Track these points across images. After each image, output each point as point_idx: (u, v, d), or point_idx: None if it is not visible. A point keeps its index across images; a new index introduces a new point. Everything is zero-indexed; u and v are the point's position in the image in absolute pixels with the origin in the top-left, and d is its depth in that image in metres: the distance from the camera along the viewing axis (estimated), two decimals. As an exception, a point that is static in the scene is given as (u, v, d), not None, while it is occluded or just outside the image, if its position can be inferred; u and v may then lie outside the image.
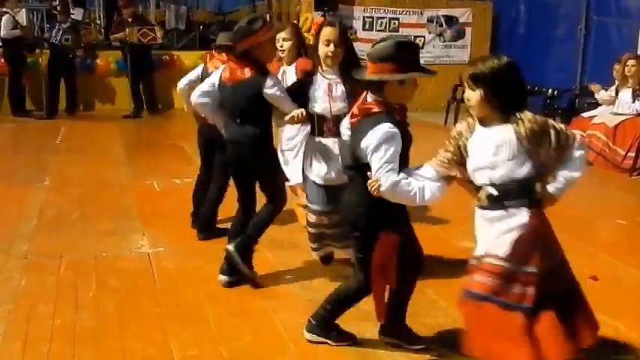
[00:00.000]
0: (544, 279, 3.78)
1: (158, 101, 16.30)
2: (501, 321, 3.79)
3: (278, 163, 5.96)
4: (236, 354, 4.63)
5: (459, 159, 4.00)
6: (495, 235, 3.87)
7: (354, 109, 4.32)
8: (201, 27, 19.50)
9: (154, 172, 10.00)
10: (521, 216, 3.81)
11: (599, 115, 11.46)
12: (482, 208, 3.94)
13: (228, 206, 6.78)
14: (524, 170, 3.80)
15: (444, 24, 17.40)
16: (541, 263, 3.78)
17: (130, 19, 15.67)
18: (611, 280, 6.12)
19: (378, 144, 4.03)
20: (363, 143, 4.10)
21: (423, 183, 4.02)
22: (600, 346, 4.73)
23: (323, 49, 5.32)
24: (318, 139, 5.50)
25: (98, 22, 18.97)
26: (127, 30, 15.45)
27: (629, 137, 10.74)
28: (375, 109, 4.16)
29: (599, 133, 11.03)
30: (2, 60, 15.38)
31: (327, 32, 5.32)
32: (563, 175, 3.86)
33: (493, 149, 3.82)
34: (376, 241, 4.23)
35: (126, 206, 8.24)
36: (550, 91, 13.58)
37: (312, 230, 5.70)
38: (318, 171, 5.52)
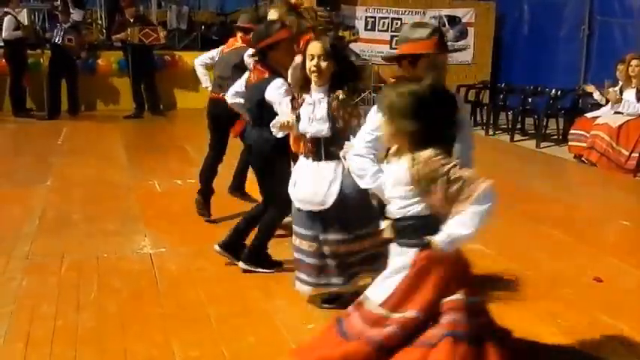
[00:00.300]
0: (421, 323, 3.52)
1: (160, 102, 16.27)
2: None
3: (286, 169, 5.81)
4: (238, 355, 4.59)
5: None
6: (386, 275, 3.69)
7: None
8: (202, 27, 19.44)
9: (156, 173, 9.95)
10: (408, 257, 3.57)
11: (602, 115, 11.41)
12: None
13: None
14: (417, 209, 3.56)
15: (446, 24, 17.36)
16: (423, 307, 3.51)
17: (132, 19, 15.64)
18: (615, 281, 6.07)
19: (371, 115, 4.02)
20: None
21: (381, 173, 3.88)
22: (604, 348, 4.75)
23: (307, 64, 4.98)
24: (300, 159, 5.24)
25: (99, 22, 18.91)
26: (129, 30, 15.42)
27: (632, 137, 10.70)
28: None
29: (603, 133, 10.98)
30: (3, 60, 15.32)
31: (311, 47, 5.02)
32: (448, 228, 3.45)
33: (391, 183, 3.67)
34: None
35: (128, 207, 8.20)
36: (553, 91, 13.55)
37: (294, 254, 5.35)
38: (295, 193, 5.17)
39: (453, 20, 17.43)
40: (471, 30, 17.60)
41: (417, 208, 3.55)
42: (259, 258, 5.96)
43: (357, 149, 4.02)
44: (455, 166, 3.42)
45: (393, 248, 3.69)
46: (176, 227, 7.35)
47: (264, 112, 5.60)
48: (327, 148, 4.96)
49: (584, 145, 11.33)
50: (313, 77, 4.93)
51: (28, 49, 15.37)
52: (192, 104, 16.21)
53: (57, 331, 4.88)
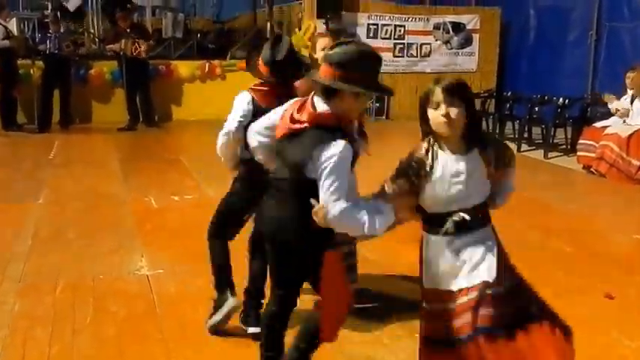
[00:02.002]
0: (505, 297, 3.59)
1: (155, 113, 16.02)
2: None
3: None
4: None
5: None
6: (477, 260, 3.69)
7: (300, 115, 3.80)
8: (199, 35, 19.26)
9: (152, 188, 9.77)
10: (490, 235, 3.73)
11: (612, 124, 11.24)
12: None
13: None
14: (485, 191, 3.71)
15: (450, 31, 17.35)
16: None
17: (127, 29, 15.39)
18: (627, 298, 5.93)
19: (333, 166, 3.59)
20: (321, 159, 3.63)
21: (373, 213, 3.63)
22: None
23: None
24: None
25: (92, 31, 18.65)
26: (123, 42, 15.20)
27: (643, 148, 10.56)
28: (331, 122, 3.70)
29: (613, 143, 10.82)
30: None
31: (320, 41, 5.30)
32: (505, 190, 3.86)
33: (460, 180, 3.62)
34: (318, 262, 3.85)
35: (123, 225, 8.05)
36: (561, 100, 13.43)
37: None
38: None
39: (458, 27, 17.35)
40: (475, 37, 17.53)
41: (484, 192, 3.68)
42: None
43: (337, 206, 3.58)
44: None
45: (459, 242, 3.66)
46: (173, 246, 7.20)
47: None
48: None
49: (593, 155, 11.18)
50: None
51: (18, 59, 15.07)
52: (187, 115, 16.07)
53: (52, 357, 4.76)
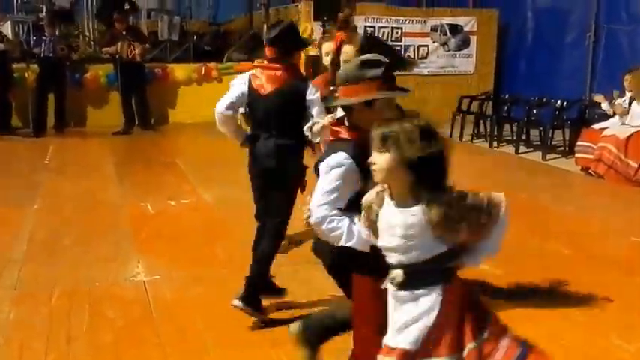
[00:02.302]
0: None
1: (151, 116, 15.97)
2: None
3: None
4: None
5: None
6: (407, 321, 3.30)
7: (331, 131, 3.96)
8: (195, 38, 19.19)
9: (148, 193, 9.73)
10: (434, 296, 3.24)
11: (610, 126, 11.19)
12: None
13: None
14: (436, 250, 3.19)
15: (448, 33, 17.27)
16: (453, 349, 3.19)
17: (123, 32, 15.34)
18: (625, 300, 5.88)
19: (325, 173, 3.66)
20: (321, 168, 3.73)
21: (356, 226, 3.56)
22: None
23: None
24: None
25: (87, 34, 18.58)
26: (119, 45, 15.15)
27: (641, 149, 10.53)
28: (343, 136, 3.74)
29: (611, 145, 10.76)
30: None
31: (325, 46, 5.50)
32: (480, 252, 3.29)
33: (397, 233, 3.22)
34: (350, 282, 3.83)
35: (119, 231, 8.00)
36: (559, 102, 13.40)
37: None
38: None
39: (455, 29, 17.29)
40: (473, 38, 17.46)
41: (436, 250, 3.18)
42: (257, 298, 5.52)
43: (320, 212, 3.63)
44: (476, 196, 3.15)
45: (401, 294, 3.31)
46: (170, 252, 7.17)
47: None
48: None
49: (591, 157, 11.14)
50: None
51: (13, 63, 15.01)
52: (184, 118, 16.00)
53: (49, 365, 4.70)
